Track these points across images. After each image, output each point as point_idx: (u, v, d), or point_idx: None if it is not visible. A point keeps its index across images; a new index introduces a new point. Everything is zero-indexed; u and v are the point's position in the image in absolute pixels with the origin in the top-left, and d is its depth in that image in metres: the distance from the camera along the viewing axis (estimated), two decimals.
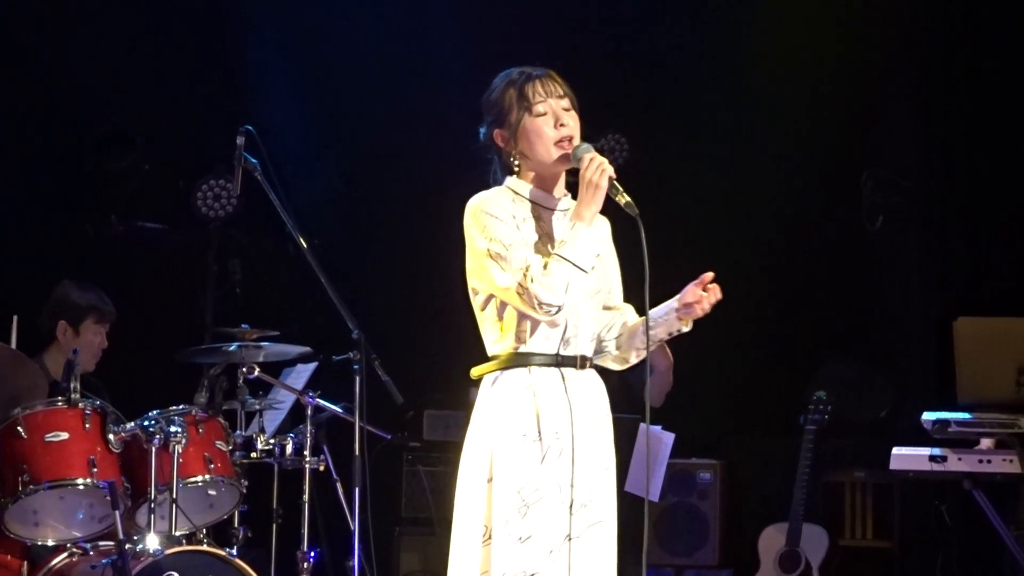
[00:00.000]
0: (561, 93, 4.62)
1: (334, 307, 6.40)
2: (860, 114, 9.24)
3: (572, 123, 4.61)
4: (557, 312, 4.50)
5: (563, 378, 4.60)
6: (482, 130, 4.69)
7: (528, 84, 4.60)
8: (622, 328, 4.78)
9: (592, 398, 4.66)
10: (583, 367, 4.64)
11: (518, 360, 4.59)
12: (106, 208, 9.03)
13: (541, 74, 4.63)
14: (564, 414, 4.58)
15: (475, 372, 4.70)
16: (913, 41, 9.19)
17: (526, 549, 4.48)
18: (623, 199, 4.56)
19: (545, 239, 4.60)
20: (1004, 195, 8.92)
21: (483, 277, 4.59)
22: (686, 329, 4.75)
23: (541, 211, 4.65)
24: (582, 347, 4.65)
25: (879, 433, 8.86)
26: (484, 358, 4.68)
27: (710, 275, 4.71)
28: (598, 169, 4.52)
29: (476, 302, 4.67)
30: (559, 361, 4.60)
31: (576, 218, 4.53)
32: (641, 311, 4.73)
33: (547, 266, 4.48)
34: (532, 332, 4.57)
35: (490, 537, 4.52)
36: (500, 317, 4.61)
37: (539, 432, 4.54)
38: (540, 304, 4.47)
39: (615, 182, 4.55)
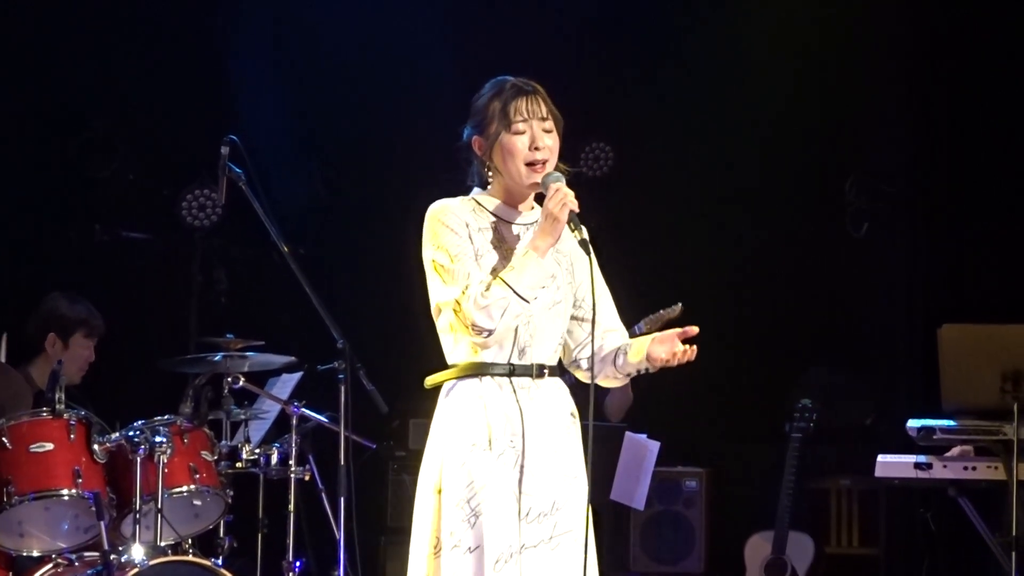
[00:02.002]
0: (544, 115, 4.58)
1: (319, 316, 6.39)
2: (845, 120, 9.26)
3: (551, 144, 4.58)
4: (488, 336, 4.48)
5: (516, 387, 4.57)
6: (465, 131, 4.67)
7: (513, 101, 4.57)
8: (598, 349, 4.71)
9: (552, 406, 4.62)
10: (540, 376, 4.61)
11: (471, 370, 4.58)
12: (90, 217, 9.02)
13: (529, 92, 4.59)
14: (516, 423, 4.55)
15: (428, 382, 4.69)
16: (897, 48, 9.21)
17: (474, 559, 4.46)
18: (579, 235, 4.55)
19: (504, 252, 4.59)
20: (989, 201, 8.94)
21: (428, 286, 4.60)
22: (653, 370, 4.71)
23: (503, 224, 4.63)
24: (539, 356, 4.62)
25: (864, 440, 8.87)
26: (445, 366, 4.67)
27: (695, 330, 4.67)
28: (560, 202, 4.49)
29: (433, 310, 4.65)
30: (512, 371, 4.58)
31: (530, 246, 4.52)
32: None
33: (489, 288, 4.47)
34: (497, 341, 4.55)
35: (440, 549, 4.51)
36: (453, 327, 4.57)
37: (489, 442, 4.52)
38: (472, 325, 4.47)
39: (575, 216, 4.53)
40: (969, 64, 8.99)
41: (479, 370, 4.57)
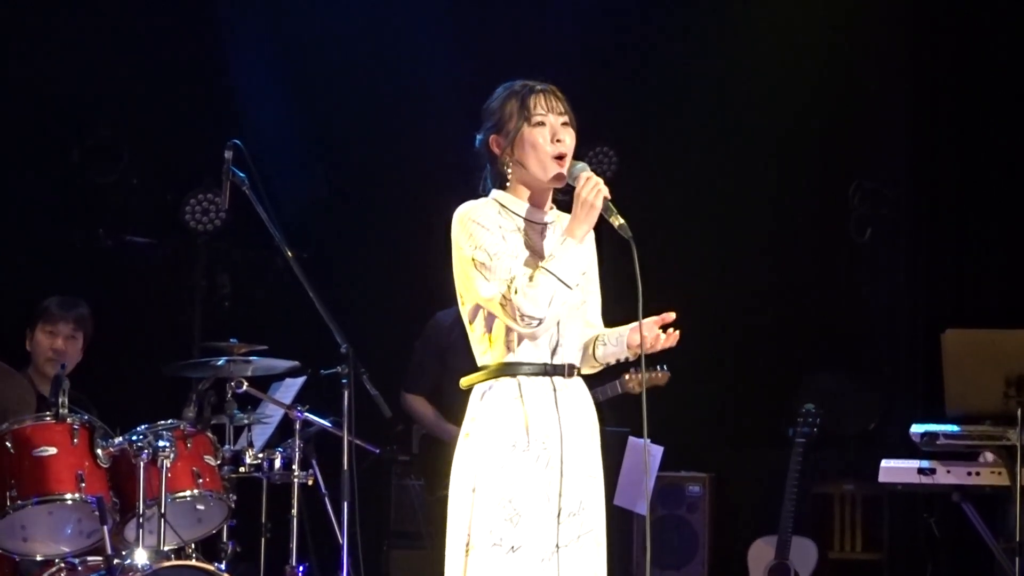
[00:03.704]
0: (561, 110, 4.64)
1: (322, 321, 6.39)
2: (847, 126, 9.26)
3: (568, 140, 4.63)
4: (538, 325, 4.52)
5: (553, 387, 4.62)
6: (479, 137, 4.70)
7: (531, 96, 4.62)
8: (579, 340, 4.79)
9: (580, 407, 4.67)
10: (571, 375, 4.66)
11: (507, 370, 4.61)
12: (94, 222, 9.02)
13: (544, 88, 4.66)
14: (553, 423, 4.59)
15: (464, 382, 4.70)
16: (899, 53, 9.22)
17: (515, 559, 4.49)
18: (617, 220, 4.59)
19: (531, 252, 4.62)
20: (991, 206, 8.94)
21: (468, 286, 4.61)
22: (632, 358, 4.76)
23: (526, 224, 4.67)
24: (569, 356, 4.67)
25: (868, 445, 8.87)
26: (475, 368, 4.68)
27: (672, 316, 4.72)
28: (593, 189, 4.54)
29: (464, 312, 4.68)
30: (548, 370, 4.62)
31: (568, 234, 4.56)
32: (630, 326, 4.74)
33: (532, 278, 4.50)
34: (520, 341, 4.59)
35: (471, 547, 4.53)
36: (488, 327, 4.63)
37: (528, 442, 4.56)
38: (522, 316, 4.49)
39: (610, 203, 4.57)
40: (971, 69, 8.99)
41: (516, 370, 4.61)
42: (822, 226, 9.39)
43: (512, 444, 4.56)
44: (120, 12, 9.00)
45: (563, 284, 4.51)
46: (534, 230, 4.67)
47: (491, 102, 4.69)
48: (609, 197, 4.56)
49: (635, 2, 9.54)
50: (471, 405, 4.67)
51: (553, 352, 4.63)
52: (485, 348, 4.65)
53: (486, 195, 4.71)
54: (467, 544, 4.54)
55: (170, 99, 9.08)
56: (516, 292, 4.49)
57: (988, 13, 8.92)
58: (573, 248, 4.54)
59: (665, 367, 7.63)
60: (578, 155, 4.68)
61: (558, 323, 4.61)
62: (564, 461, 4.58)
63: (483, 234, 4.56)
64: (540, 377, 4.61)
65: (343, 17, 9.29)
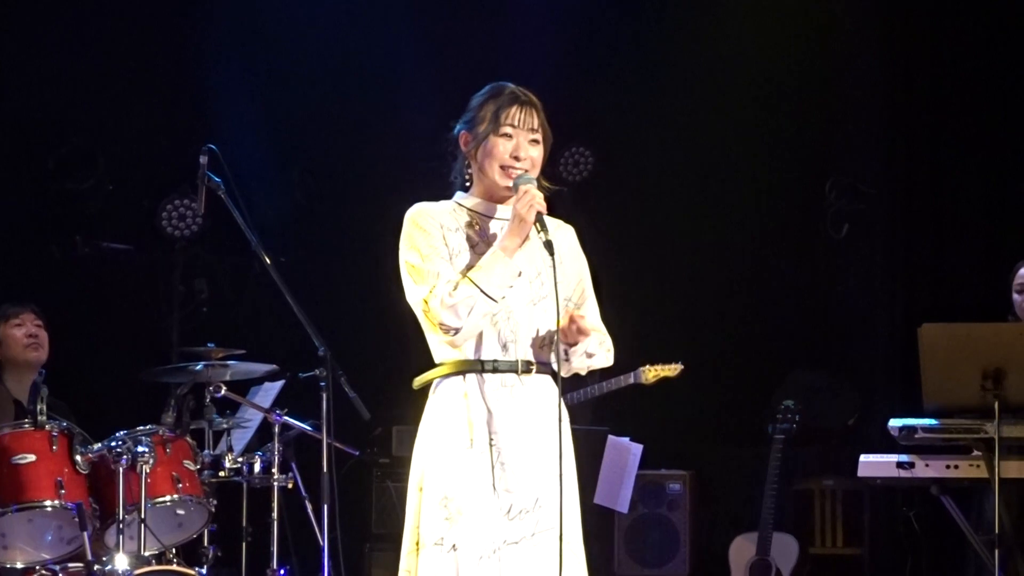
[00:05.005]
0: (534, 127, 4.66)
1: (300, 325, 6.39)
2: (823, 123, 9.28)
3: (534, 156, 4.65)
4: (456, 334, 4.55)
5: (498, 384, 4.61)
6: (457, 126, 4.73)
7: (508, 107, 4.64)
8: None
9: (538, 403, 4.64)
10: (527, 372, 4.64)
11: (454, 367, 4.63)
12: (71, 229, 9.01)
13: (524, 103, 4.66)
14: (502, 420, 4.58)
15: (417, 382, 4.74)
16: (874, 50, 9.24)
17: (454, 558, 4.50)
18: (543, 237, 4.58)
19: (485, 248, 4.63)
20: (967, 201, 8.96)
21: (404, 288, 4.65)
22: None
23: (482, 220, 4.69)
24: (524, 352, 4.64)
25: (847, 441, 8.89)
26: (428, 369, 4.71)
27: (584, 318, 4.65)
28: (527, 203, 4.56)
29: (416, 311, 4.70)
30: (496, 367, 4.61)
31: (498, 246, 4.59)
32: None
33: (456, 287, 4.54)
34: (466, 339, 4.59)
35: (421, 546, 4.55)
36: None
37: (471, 440, 4.56)
38: (440, 324, 4.54)
39: (542, 217, 4.58)
40: (945, 65, 9.02)
41: (462, 367, 4.61)
42: (799, 223, 9.41)
43: (454, 442, 4.57)
44: (94, 19, 8.99)
45: (486, 296, 4.53)
46: (489, 225, 4.68)
47: (476, 97, 4.72)
48: (544, 212, 4.57)
49: (610, 1, 9.55)
50: (426, 404, 4.70)
51: (503, 348, 4.62)
52: (435, 345, 4.67)
53: (455, 183, 4.75)
54: (417, 543, 4.56)
55: (145, 105, 9.07)
56: (435, 298, 4.54)
57: (961, 10, 8.95)
58: (500, 260, 4.55)
59: (680, 364, 7.73)
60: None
61: (508, 319, 4.61)
62: (515, 458, 4.57)
63: (420, 237, 4.62)
64: (488, 374, 4.61)
65: (317, 23, 9.30)
